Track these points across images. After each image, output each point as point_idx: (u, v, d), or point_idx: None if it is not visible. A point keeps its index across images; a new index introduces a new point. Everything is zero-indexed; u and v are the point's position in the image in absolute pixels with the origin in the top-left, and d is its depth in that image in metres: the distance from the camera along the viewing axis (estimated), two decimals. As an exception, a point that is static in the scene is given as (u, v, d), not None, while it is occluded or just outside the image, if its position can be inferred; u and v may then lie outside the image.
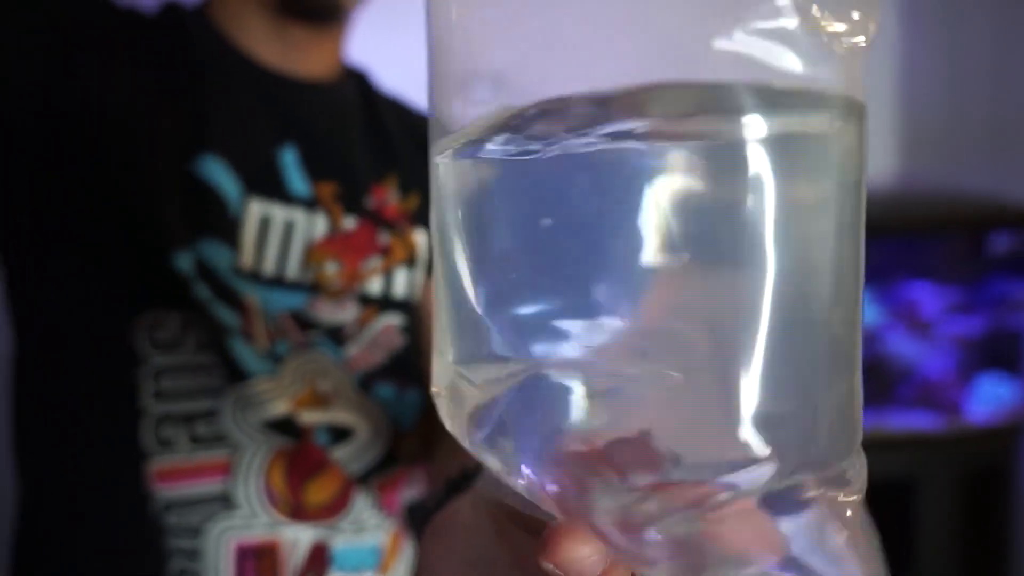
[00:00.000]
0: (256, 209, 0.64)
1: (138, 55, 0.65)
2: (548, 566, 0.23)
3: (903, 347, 1.49)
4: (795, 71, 0.20)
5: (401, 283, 0.70)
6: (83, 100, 0.62)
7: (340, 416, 0.66)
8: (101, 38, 0.64)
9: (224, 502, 0.62)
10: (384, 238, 0.69)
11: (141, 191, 0.63)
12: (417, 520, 0.71)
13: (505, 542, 0.29)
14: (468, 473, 0.37)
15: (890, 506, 1.45)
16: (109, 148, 0.63)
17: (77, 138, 0.62)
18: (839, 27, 0.21)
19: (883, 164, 1.74)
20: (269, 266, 0.64)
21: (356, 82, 0.74)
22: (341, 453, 0.66)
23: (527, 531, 0.27)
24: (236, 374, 0.63)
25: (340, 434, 0.66)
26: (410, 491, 0.69)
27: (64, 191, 0.63)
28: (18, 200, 0.64)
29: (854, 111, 0.22)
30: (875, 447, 1.26)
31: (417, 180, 0.72)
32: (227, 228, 0.63)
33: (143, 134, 0.63)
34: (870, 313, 1.49)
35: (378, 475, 0.67)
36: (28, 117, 0.62)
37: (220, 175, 0.64)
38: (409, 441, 0.69)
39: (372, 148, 0.72)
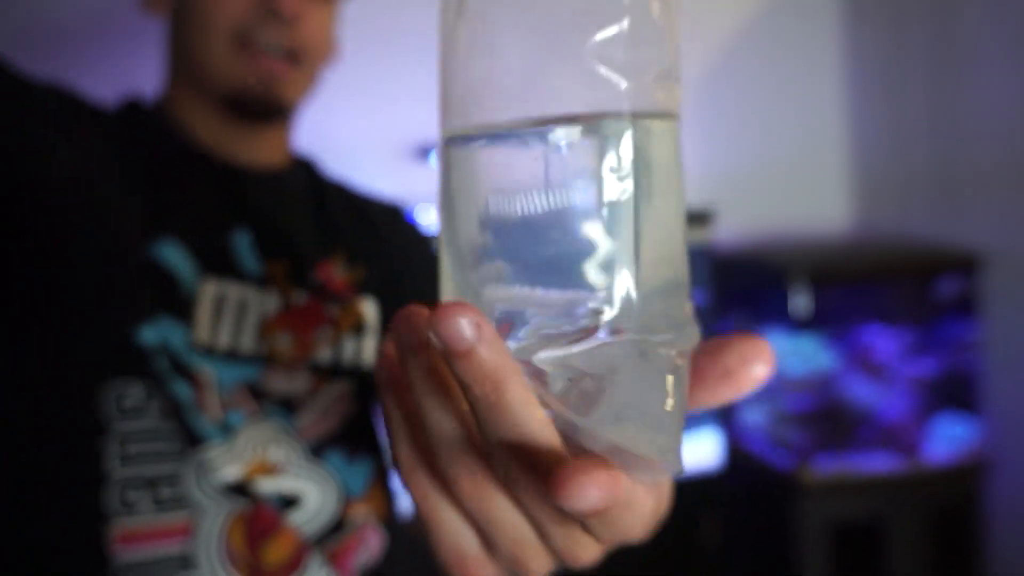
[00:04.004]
0: (211, 288, 0.68)
1: (102, 148, 0.69)
2: (433, 338, 0.24)
3: (861, 391, 1.53)
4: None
5: (349, 351, 0.73)
6: (51, 188, 0.66)
7: (290, 484, 0.68)
8: (69, 132, 0.68)
9: (183, 562, 0.64)
10: (332, 310, 0.73)
11: (104, 271, 0.66)
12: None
13: None
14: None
15: (860, 547, 1.48)
16: (75, 233, 0.66)
17: (46, 222, 0.66)
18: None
19: (838, 216, 1.81)
20: (224, 340, 0.67)
21: (303, 170, 0.80)
22: (293, 517, 0.68)
23: None
24: (194, 440, 0.65)
25: (290, 501, 0.68)
26: (363, 555, 0.71)
27: (32, 268, 0.66)
28: None
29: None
30: (841, 490, 1.31)
31: (362, 254, 0.77)
32: (182, 306, 0.66)
33: (106, 220, 0.67)
34: (827, 359, 1.53)
35: (330, 540, 0.69)
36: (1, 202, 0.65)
37: (176, 258, 0.67)
38: (359, 507, 0.71)
39: (319, 228, 0.76)
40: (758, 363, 0.29)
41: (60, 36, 1.29)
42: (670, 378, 0.27)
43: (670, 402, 0.26)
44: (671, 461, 0.26)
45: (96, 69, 1.26)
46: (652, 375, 0.26)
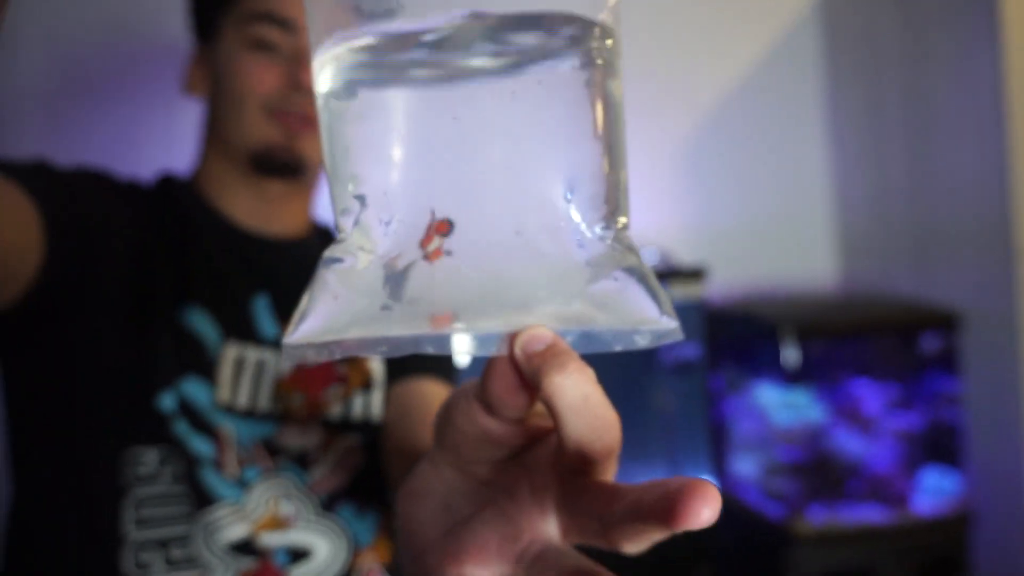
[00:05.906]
0: (232, 351, 0.73)
1: (137, 222, 0.75)
2: (517, 350, 0.27)
3: (849, 443, 1.58)
4: None
5: (358, 406, 0.78)
6: (89, 264, 0.70)
7: (299, 537, 0.72)
8: (106, 212, 0.73)
9: None
10: (342, 368, 0.78)
11: (136, 340, 0.70)
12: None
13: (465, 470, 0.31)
14: None
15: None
16: (109, 305, 0.70)
17: (82, 296, 0.70)
18: None
19: (825, 274, 1.87)
20: (243, 400, 0.72)
21: (322, 235, 0.86)
22: (299, 572, 0.71)
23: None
24: (204, 501, 0.69)
25: (299, 555, 0.72)
26: None
27: (66, 340, 0.70)
28: (26, 349, 0.71)
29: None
30: (831, 541, 1.36)
31: None
32: (207, 368, 0.72)
33: (139, 291, 0.72)
34: (817, 411, 1.58)
35: None
36: (43, 277, 0.68)
37: (203, 324, 0.73)
38: (367, 556, 0.75)
39: None
40: (705, 504, 0.24)
41: (107, 124, 1.37)
42: None
43: None
44: None
45: (139, 151, 1.34)
46: None
